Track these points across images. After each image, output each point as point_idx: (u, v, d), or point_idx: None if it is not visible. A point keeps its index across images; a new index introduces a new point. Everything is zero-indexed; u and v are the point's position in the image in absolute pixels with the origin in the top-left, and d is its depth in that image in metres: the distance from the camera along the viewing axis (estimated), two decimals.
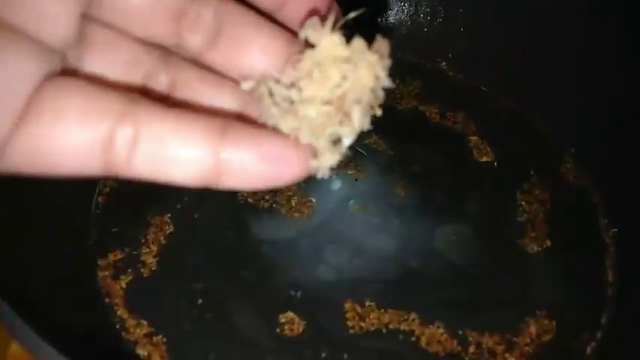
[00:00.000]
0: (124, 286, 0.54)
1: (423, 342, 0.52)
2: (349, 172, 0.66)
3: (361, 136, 0.63)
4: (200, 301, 0.54)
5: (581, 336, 0.54)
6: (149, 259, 0.56)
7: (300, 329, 0.52)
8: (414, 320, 0.54)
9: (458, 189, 0.65)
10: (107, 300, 0.53)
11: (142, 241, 0.58)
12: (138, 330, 0.51)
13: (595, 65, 0.69)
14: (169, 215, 0.60)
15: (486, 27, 0.81)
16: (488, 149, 0.69)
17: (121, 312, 0.52)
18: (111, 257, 0.56)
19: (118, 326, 0.51)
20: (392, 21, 0.86)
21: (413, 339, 0.53)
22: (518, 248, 0.59)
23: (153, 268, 0.56)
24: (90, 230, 0.58)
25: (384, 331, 0.53)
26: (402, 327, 0.53)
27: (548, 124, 0.74)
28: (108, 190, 0.63)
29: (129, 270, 0.55)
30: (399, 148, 0.69)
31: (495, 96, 0.78)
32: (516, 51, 0.78)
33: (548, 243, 0.60)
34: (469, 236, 0.60)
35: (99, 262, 0.56)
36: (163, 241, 0.58)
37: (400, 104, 0.75)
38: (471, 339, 0.53)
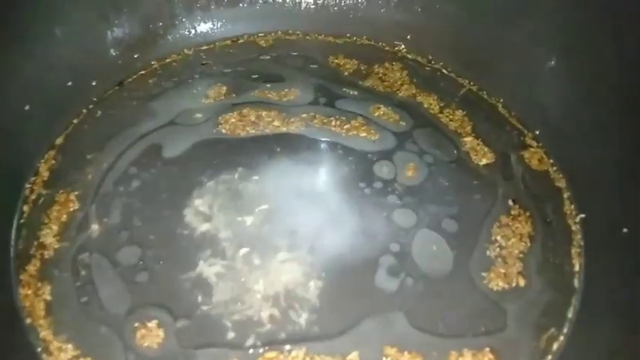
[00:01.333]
0: (47, 297, 0.49)
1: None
2: (363, 135, 0.65)
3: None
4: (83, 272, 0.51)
5: (547, 332, 0.50)
6: (49, 239, 0.54)
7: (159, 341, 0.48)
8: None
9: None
10: (29, 320, 0.48)
11: (45, 221, 0.55)
12: (62, 354, 0.46)
13: (560, 43, 0.65)
14: (76, 193, 0.58)
15: (444, 7, 0.77)
16: (485, 149, 0.65)
17: (45, 333, 0.47)
18: (31, 269, 0.51)
19: (39, 349, 0.46)
20: (348, 2, 0.82)
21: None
22: (479, 281, 0.53)
23: (55, 247, 0.53)
24: (10, 243, 0.53)
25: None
26: None
27: (512, 106, 0.70)
28: (34, 197, 0.58)
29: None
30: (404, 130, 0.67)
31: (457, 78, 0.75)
32: (476, 32, 0.74)
33: (521, 282, 0.53)
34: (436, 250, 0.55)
35: (20, 278, 0.51)
36: (64, 219, 0.55)
37: (400, 91, 0.72)
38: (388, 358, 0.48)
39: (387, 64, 0.76)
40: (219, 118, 0.67)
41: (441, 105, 0.70)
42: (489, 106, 0.71)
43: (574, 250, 0.57)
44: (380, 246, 0.55)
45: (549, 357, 0.49)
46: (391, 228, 0.57)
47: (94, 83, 0.69)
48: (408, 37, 0.79)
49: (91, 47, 0.69)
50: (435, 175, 0.62)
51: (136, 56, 0.73)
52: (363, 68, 0.75)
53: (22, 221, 0.55)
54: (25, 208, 0.56)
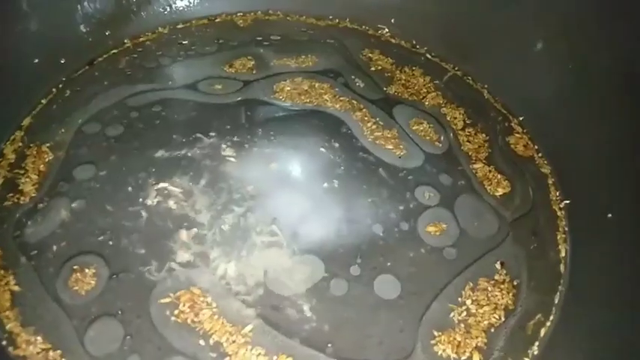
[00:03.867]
0: (13, 288, 0.46)
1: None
2: (390, 148, 0.61)
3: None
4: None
5: (534, 319, 0.50)
6: (27, 187, 0.53)
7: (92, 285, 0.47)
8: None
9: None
10: None
11: (22, 172, 0.54)
12: (30, 347, 0.43)
13: (547, 26, 0.64)
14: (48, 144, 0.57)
15: None
16: (499, 177, 0.60)
17: (11, 325, 0.44)
18: None
19: (4, 342, 0.43)
20: None
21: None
22: (425, 340, 0.47)
23: (32, 195, 0.53)
24: None
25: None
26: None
27: (497, 92, 0.69)
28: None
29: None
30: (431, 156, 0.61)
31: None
32: (461, 15, 0.72)
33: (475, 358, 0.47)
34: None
35: None
36: (43, 169, 0.55)
37: (426, 99, 0.68)
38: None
39: (406, 69, 0.72)
40: (274, 85, 0.66)
41: (468, 122, 0.66)
42: (474, 91, 0.70)
43: (559, 236, 0.56)
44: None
45: (537, 343, 0.49)
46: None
47: (62, 61, 0.65)
48: (392, 20, 0.78)
49: (59, 23, 0.65)
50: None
51: (107, 33, 0.69)
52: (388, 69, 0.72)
53: None
54: None
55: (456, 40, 0.73)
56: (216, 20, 0.76)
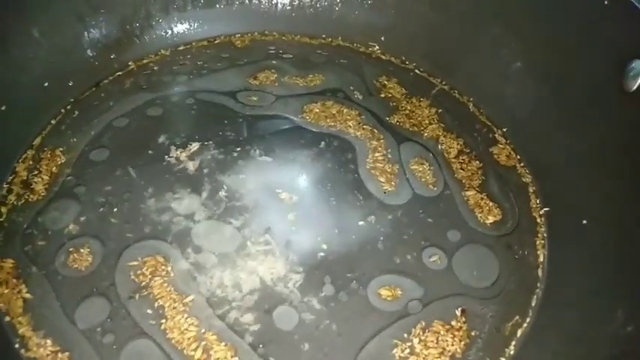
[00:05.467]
0: (26, 295, 0.50)
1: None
2: (381, 181, 0.62)
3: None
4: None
5: (512, 320, 0.53)
6: (39, 186, 0.58)
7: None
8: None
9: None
10: (7, 319, 0.49)
11: (34, 172, 0.60)
12: (41, 350, 0.47)
13: (525, 46, 0.68)
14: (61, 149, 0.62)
15: (416, 9, 0.78)
16: (490, 204, 0.61)
17: (23, 330, 0.48)
18: (7, 266, 0.52)
19: (17, 345, 0.47)
20: (323, 4, 0.83)
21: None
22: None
23: (42, 194, 0.58)
24: None
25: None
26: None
27: (481, 105, 0.73)
28: (13, 198, 0.58)
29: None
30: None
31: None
32: (447, 34, 0.76)
33: None
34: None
35: None
36: (55, 170, 0.60)
37: (426, 130, 0.68)
38: None
39: (414, 100, 0.73)
40: (305, 106, 0.70)
41: (467, 150, 0.66)
42: (461, 104, 0.74)
43: (538, 242, 0.59)
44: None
45: (513, 343, 0.51)
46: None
47: (70, 84, 0.69)
48: (382, 38, 0.81)
49: (67, 48, 0.70)
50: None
51: (112, 57, 0.74)
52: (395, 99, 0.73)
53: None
54: (3, 209, 0.57)
55: (442, 57, 0.77)
56: (216, 42, 0.80)
